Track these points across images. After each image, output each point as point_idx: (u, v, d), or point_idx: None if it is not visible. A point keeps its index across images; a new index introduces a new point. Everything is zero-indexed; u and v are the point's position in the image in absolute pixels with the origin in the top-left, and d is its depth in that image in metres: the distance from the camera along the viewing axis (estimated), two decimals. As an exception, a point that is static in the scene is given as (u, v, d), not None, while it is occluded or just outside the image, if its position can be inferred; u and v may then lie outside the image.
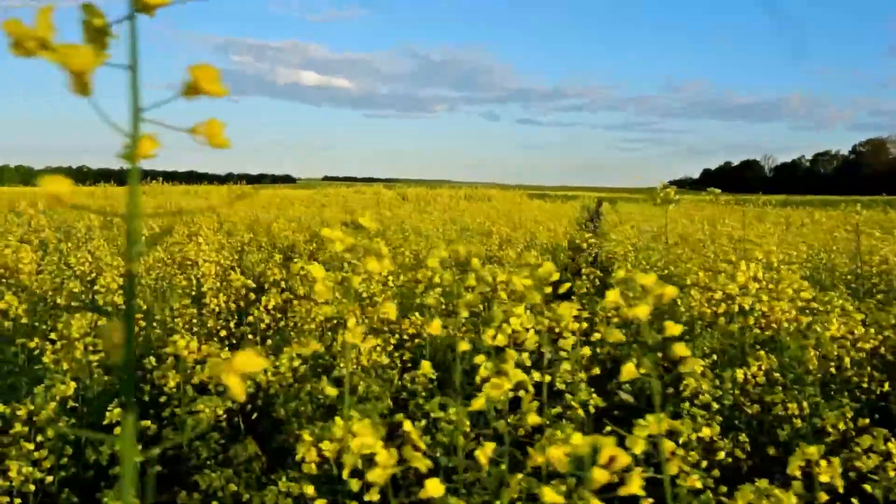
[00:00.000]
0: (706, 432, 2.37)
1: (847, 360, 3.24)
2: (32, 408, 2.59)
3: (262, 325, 4.46)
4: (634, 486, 1.09)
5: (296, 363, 3.37)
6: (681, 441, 2.41)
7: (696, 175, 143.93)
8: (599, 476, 1.05)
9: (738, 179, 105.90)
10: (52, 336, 3.17)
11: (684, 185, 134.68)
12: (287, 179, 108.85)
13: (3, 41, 0.51)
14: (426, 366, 3.27)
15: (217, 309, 5.32)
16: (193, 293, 5.37)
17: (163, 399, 3.47)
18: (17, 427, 2.56)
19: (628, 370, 1.21)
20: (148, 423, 2.99)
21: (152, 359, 4.17)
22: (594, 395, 2.93)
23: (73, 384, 2.84)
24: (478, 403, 1.62)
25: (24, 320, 3.64)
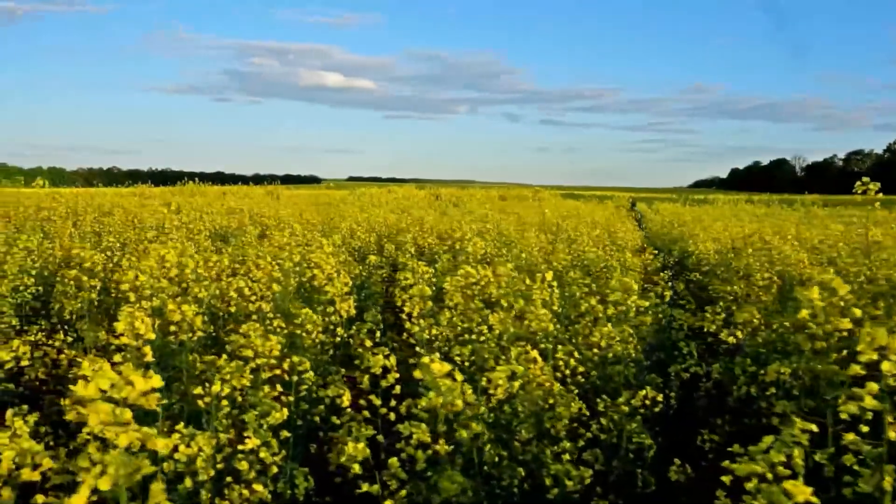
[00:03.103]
0: None
1: None
2: (258, 443, 2.21)
3: (428, 335, 4.07)
4: None
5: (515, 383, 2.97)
6: None
7: (723, 175, 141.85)
8: None
9: (768, 179, 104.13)
10: (246, 353, 2.79)
11: (712, 185, 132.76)
12: (313, 180, 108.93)
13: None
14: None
15: (345, 315, 4.95)
16: (324, 298, 4.99)
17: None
18: (243, 465, 2.19)
19: None
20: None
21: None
22: None
23: (285, 411, 2.46)
24: None
25: (200, 334, 3.27)
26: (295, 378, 2.95)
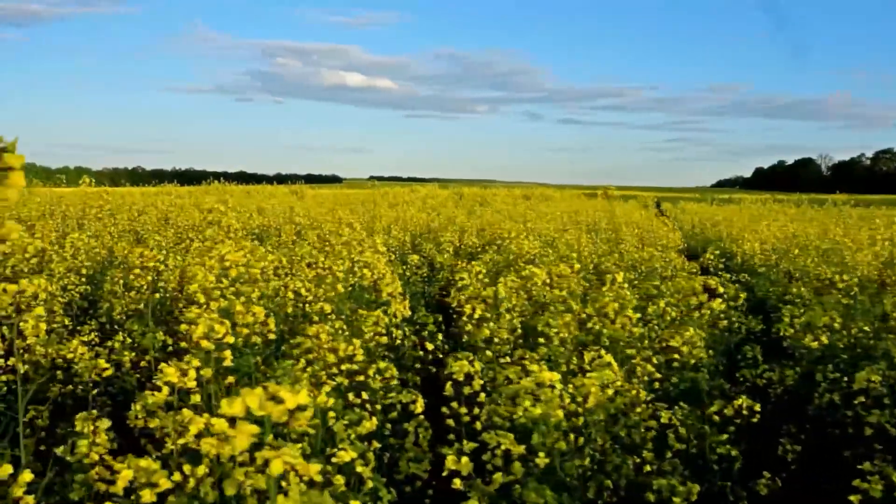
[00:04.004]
0: None
1: None
2: (354, 455, 2.07)
3: (498, 339, 3.91)
4: None
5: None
6: None
7: (747, 174, 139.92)
8: None
9: (793, 179, 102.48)
10: (329, 358, 2.64)
11: (735, 184, 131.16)
12: (333, 179, 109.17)
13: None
14: None
15: (399, 316, 4.81)
16: (372, 298, 4.85)
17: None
18: (340, 480, 2.04)
19: None
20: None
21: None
22: None
23: (374, 420, 2.32)
24: None
25: (273, 336, 3.14)
26: (379, 384, 2.81)
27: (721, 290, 3.83)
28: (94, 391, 4.58)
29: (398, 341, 4.48)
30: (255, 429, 1.15)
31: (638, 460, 3.33)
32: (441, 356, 4.69)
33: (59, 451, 3.16)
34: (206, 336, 2.44)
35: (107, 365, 2.82)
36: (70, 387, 3.81)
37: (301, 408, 1.15)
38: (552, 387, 2.38)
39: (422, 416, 3.23)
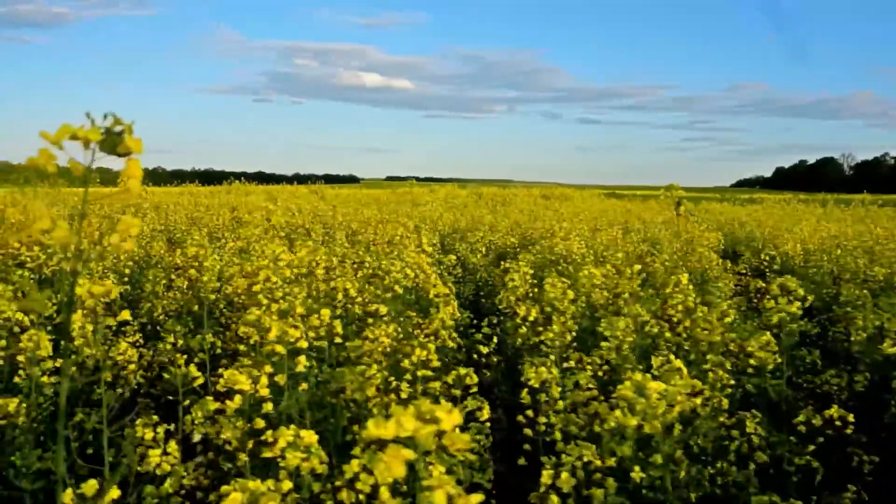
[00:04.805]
0: None
1: None
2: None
3: (559, 343, 3.77)
4: None
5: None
6: None
7: (768, 174, 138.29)
8: None
9: (815, 178, 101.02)
10: (404, 364, 2.51)
11: (755, 184, 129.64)
12: (352, 179, 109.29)
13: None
14: None
15: (447, 318, 4.66)
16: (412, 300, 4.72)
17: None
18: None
19: None
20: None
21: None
22: None
23: (465, 435, 2.18)
24: None
25: (339, 339, 3.02)
26: (458, 392, 2.68)
27: (801, 292, 3.66)
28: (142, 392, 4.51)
29: (450, 343, 4.35)
30: (410, 454, 1.03)
31: (713, 471, 3.18)
32: (493, 359, 4.56)
33: (109, 455, 3.05)
34: (279, 339, 2.32)
35: (198, 373, 2.70)
36: (119, 389, 3.72)
37: (458, 429, 1.02)
38: (645, 396, 2.23)
39: (487, 424, 3.10)
